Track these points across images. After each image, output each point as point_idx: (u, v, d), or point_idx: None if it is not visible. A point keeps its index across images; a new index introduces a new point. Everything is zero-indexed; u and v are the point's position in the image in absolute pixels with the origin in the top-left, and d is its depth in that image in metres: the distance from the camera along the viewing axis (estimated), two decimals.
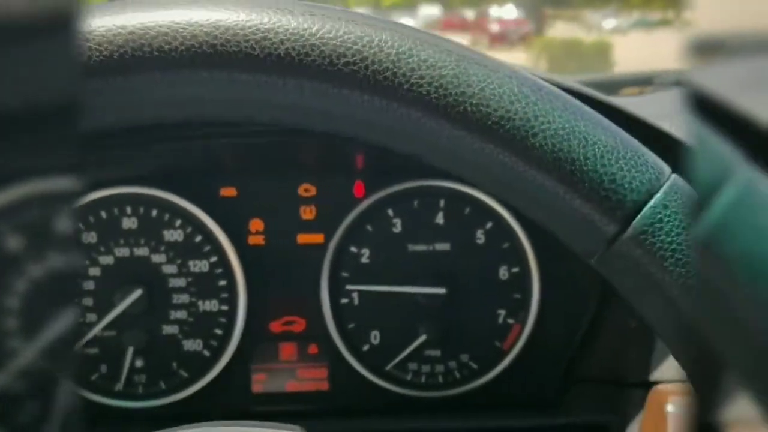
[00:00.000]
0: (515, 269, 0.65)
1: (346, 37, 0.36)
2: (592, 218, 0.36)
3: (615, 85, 1.05)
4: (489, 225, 0.65)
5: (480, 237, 0.65)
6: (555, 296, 0.65)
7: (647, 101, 0.79)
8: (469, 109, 0.35)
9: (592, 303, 0.65)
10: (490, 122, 0.35)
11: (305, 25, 0.36)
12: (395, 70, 0.36)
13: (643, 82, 1.07)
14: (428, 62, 0.36)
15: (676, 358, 0.39)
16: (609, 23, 17.56)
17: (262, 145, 0.64)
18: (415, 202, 0.65)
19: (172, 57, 0.37)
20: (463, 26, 19.88)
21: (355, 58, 0.36)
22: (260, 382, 0.68)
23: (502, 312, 0.66)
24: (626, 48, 11.84)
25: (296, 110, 0.40)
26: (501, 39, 17.93)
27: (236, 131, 0.63)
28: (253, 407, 0.69)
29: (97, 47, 0.37)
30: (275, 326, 0.68)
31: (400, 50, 0.36)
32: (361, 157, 0.65)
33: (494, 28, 19.14)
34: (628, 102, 0.57)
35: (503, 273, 0.66)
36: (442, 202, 0.65)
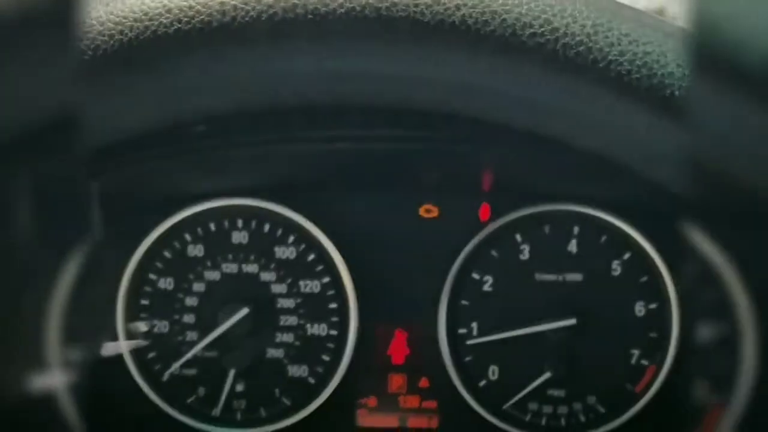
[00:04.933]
0: (653, 305, 0.60)
1: (533, 4, 0.31)
2: None
3: None
4: (627, 256, 0.60)
5: (616, 268, 0.60)
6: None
7: None
8: (676, 92, 0.30)
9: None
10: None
11: None
12: (590, 44, 0.31)
13: None
14: (630, 37, 0.31)
15: None
16: None
17: (384, 159, 0.60)
18: (546, 228, 0.60)
19: (330, 20, 0.32)
20: None
21: (543, 29, 0.31)
22: (366, 415, 0.64)
23: (636, 352, 0.60)
24: None
25: (466, 91, 0.35)
26: None
27: (355, 136, 0.59)
28: None
29: (243, 6, 0.33)
30: (386, 356, 0.63)
31: (598, 22, 0.31)
32: (489, 177, 0.60)
33: None
34: None
35: (639, 309, 0.60)
36: (576, 229, 0.60)
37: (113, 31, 0.38)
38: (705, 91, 0.28)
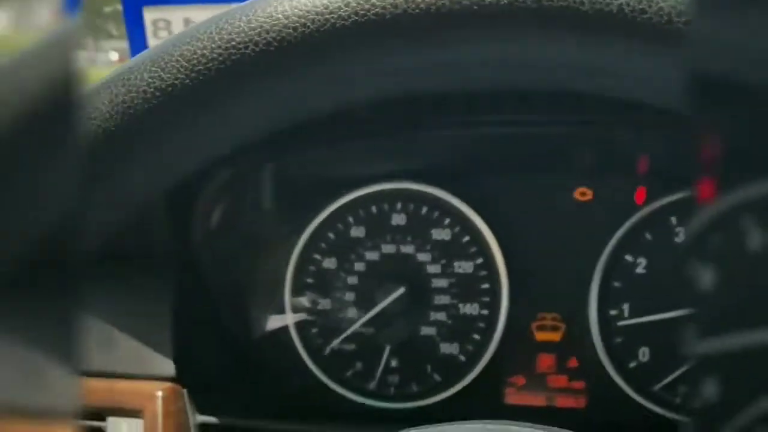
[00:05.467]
0: None
1: None
2: None
3: None
4: None
5: None
6: None
7: None
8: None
9: None
10: None
11: None
12: None
13: None
14: None
15: None
16: None
17: (539, 143, 0.62)
18: None
19: (492, 10, 0.34)
20: None
21: None
22: (514, 393, 0.65)
23: None
24: None
25: (620, 77, 0.36)
26: None
27: (511, 121, 0.60)
28: (504, 418, 0.66)
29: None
30: (536, 335, 0.65)
31: None
32: (645, 161, 0.61)
33: None
34: None
35: None
36: None
37: (297, 24, 0.41)
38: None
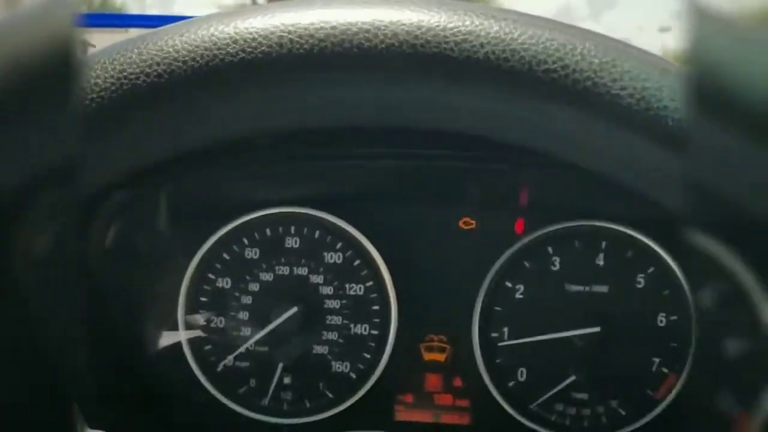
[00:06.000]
0: (674, 317, 0.64)
1: (548, 44, 0.35)
2: None
3: None
4: (651, 270, 0.64)
5: (640, 281, 0.64)
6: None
7: None
8: (671, 124, 0.34)
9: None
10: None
11: (507, 30, 0.36)
12: (596, 79, 0.35)
13: None
14: (631, 74, 0.35)
15: None
16: None
17: (426, 175, 0.65)
18: (576, 242, 0.65)
19: (372, 54, 0.37)
20: None
21: (555, 66, 0.35)
22: (403, 411, 0.68)
23: (657, 360, 0.65)
24: None
25: (490, 118, 0.39)
26: None
27: (399, 154, 0.64)
28: None
29: (298, 40, 0.38)
30: (424, 355, 0.68)
31: (604, 60, 0.35)
32: (525, 194, 0.65)
33: None
34: None
35: (661, 320, 0.64)
36: (603, 244, 0.64)
37: (186, 58, 0.43)
38: (703, 125, 0.32)
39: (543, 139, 0.41)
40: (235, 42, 0.43)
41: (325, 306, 0.67)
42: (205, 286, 0.67)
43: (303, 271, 0.66)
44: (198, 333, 0.67)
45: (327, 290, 0.67)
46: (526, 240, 0.65)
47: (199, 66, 0.44)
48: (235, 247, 0.66)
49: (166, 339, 0.67)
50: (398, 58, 0.37)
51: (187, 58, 0.44)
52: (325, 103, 0.46)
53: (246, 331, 0.67)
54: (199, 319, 0.67)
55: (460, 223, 0.66)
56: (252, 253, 0.67)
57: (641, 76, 0.35)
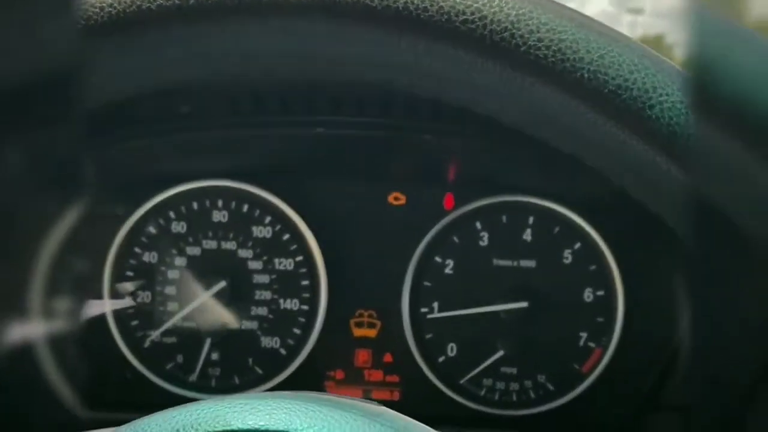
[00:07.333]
0: (600, 292, 0.65)
1: None
2: None
3: None
4: (577, 245, 0.64)
5: (567, 257, 0.65)
6: (639, 323, 0.64)
7: None
8: (585, 75, 0.34)
9: (676, 331, 0.64)
10: (606, 90, 0.34)
11: None
12: (513, 31, 0.35)
13: None
14: (548, 26, 0.35)
15: None
16: None
17: (355, 147, 0.65)
18: (504, 217, 0.65)
19: (286, 5, 0.36)
20: None
21: (473, 17, 0.35)
22: (333, 387, 0.68)
23: (584, 335, 0.65)
24: None
25: (407, 69, 0.39)
26: None
27: (325, 122, 0.63)
28: None
29: None
30: (354, 331, 0.68)
31: (521, 11, 0.35)
32: (454, 169, 0.65)
33: None
34: None
35: (588, 295, 0.65)
36: (531, 219, 0.65)
37: (104, 4, 0.42)
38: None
39: (462, 91, 0.40)
40: None
41: (254, 281, 0.66)
42: (131, 261, 0.66)
43: (231, 245, 0.66)
44: (123, 307, 0.66)
45: (256, 265, 0.66)
46: (454, 215, 0.65)
47: (116, 13, 0.42)
48: (161, 221, 0.65)
49: (91, 311, 0.66)
50: (315, 6, 0.36)
51: (104, 4, 0.42)
52: (240, 54, 0.45)
53: (173, 306, 0.66)
54: (126, 286, 0.66)
55: (390, 198, 0.66)
56: (179, 227, 0.66)
57: (558, 29, 0.35)
